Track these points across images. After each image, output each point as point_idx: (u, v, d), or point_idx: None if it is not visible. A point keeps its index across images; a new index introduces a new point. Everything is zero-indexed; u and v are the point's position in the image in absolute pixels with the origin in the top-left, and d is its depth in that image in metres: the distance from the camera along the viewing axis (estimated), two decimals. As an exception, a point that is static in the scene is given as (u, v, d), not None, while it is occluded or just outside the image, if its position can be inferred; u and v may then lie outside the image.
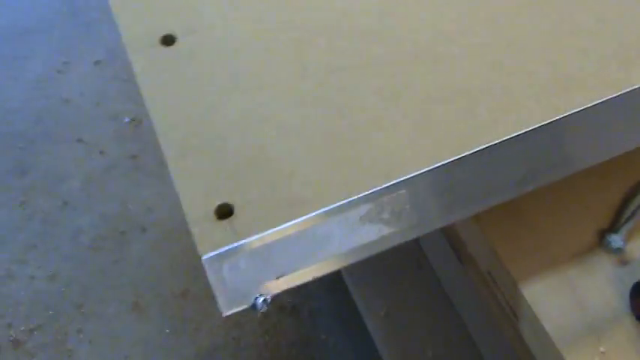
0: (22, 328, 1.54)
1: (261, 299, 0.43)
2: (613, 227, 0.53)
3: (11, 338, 1.53)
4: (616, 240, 0.52)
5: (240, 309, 0.43)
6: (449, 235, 0.65)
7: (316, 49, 0.52)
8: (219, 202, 0.44)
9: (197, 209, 0.44)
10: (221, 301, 0.43)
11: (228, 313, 0.43)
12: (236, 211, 0.44)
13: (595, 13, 0.53)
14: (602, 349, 0.49)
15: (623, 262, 0.53)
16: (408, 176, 0.45)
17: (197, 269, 1.38)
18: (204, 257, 0.42)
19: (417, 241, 1.14)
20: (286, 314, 1.58)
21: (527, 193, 0.55)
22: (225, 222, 0.44)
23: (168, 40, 0.52)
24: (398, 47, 0.52)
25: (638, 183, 0.55)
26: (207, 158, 0.47)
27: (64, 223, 1.68)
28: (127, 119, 1.83)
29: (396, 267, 1.13)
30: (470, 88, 0.49)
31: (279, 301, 1.58)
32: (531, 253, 0.53)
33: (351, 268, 1.15)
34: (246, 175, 0.46)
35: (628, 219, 0.53)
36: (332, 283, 1.61)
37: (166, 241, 1.65)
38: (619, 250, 0.52)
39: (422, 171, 0.45)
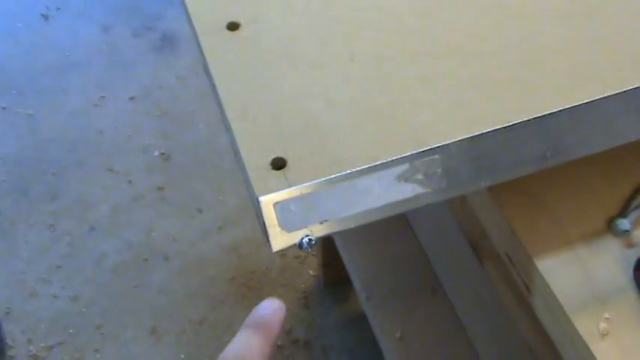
0: (42, 345, 1.58)
1: (307, 239, 0.49)
2: (622, 213, 0.59)
3: (31, 354, 1.57)
4: (624, 223, 0.57)
5: (287, 246, 0.49)
6: (467, 230, 0.70)
7: (363, 41, 0.59)
8: (274, 156, 0.51)
9: (255, 161, 0.50)
10: (272, 238, 0.49)
11: (277, 249, 0.49)
12: (289, 164, 0.50)
13: (613, 24, 0.60)
14: (606, 315, 0.54)
15: (630, 245, 0.58)
16: (440, 144, 0.51)
17: (215, 298, 1.43)
18: (260, 198, 0.48)
19: (432, 267, 1.19)
20: (299, 348, 1.61)
21: (544, 181, 0.62)
22: (279, 172, 0.50)
23: (233, 27, 0.60)
24: (435, 43, 0.59)
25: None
26: (265, 122, 0.53)
27: (89, 247, 1.74)
28: (156, 153, 1.91)
29: (411, 292, 1.18)
30: (498, 78, 0.56)
31: (292, 335, 1.62)
32: (546, 232, 0.58)
33: (369, 292, 1.20)
34: (299, 137, 0.52)
35: (636, 207, 0.59)
36: (345, 320, 1.65)
37: (187, 270, 1.70)
38: (626, 233, 0.57)
39: (452, 141, 0.51)
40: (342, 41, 0.59)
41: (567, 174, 0.61)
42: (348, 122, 0.53)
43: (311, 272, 1.71)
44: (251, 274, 1.70)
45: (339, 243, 1.31)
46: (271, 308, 0.45)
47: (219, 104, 0.55)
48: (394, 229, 1.27)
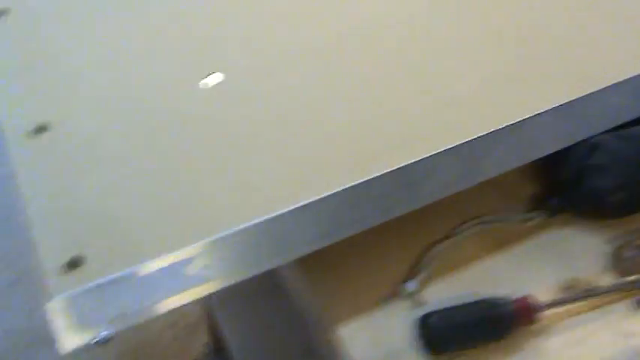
0: None
1: (104, 333, 0.51)
2: (410, 275, 0.65)
3: None
4: (410, 285, 0.63)
5: (81, 344, 0.51)
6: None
7: (161, 136, 0.63)
8: (71, 256, 0.53)
9: (50, 263, 0.52)
10: (64, 339, 0.50)
11: (70, 349, 0.51)
12: (87, 261, 0.52)
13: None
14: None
15: (418, 305, 0.63)
16: (229, 231, 0.55)
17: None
18: (52, 300, 0.51)
19: (307, 329, 1.22)
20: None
21: (346, 251, 0.65)
22: (75, 271, 0.52)
23: (41, 129, 0.62)
24: (218, 133, 0.64)
25: (433, 242, 0.67)
26: (64, 222, 0.55)
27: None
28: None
29: (284, 357, 1.20)
30: (294, 155, 0.62)
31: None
32: (346, 300, 0.63)
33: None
34: (98, 234, 0.54)
35: (422, 269, 0.65)
36: None
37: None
38: (413, 294, 0.63)
39: (243, 226, 0.55)
40: (143, 136, 0.63)
41: (365, 242, 0.66)
42: (145, 215, 0.56)
43: (201, 340, 1.72)
44: (142, 345, 1.69)
45: (219, 315, 1.33)
46: None
47: (23, 212, 0.58)
48: (269, 294, 1.29)
